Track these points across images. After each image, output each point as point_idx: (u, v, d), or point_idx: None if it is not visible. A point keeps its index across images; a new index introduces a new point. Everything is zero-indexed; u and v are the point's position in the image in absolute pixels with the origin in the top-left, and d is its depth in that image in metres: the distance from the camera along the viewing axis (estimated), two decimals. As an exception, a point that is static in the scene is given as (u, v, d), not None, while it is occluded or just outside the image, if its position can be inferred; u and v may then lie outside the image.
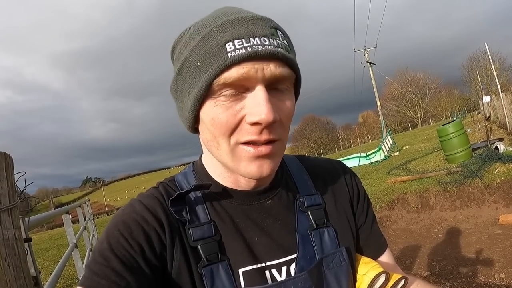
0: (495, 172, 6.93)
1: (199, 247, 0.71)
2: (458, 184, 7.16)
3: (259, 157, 0.67)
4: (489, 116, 17.05)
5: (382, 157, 17.11)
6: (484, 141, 10.32)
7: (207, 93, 0.64)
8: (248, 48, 0.60)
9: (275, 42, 0.63)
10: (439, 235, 6.13)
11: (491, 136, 10.86)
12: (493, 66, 18.33)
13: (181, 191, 0.74)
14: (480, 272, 4.23)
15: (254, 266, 0.73)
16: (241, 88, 0.64)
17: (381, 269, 0.81)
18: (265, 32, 0.63)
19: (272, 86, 0.65)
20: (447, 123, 9.27)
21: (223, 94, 0.64)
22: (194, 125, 0.72)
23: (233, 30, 0.62)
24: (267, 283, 0.72)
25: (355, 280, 0.84)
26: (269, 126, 0.64)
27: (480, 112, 19.18)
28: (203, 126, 0.69)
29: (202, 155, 0.85)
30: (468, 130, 17.99)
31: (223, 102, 0.64)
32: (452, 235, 5.97)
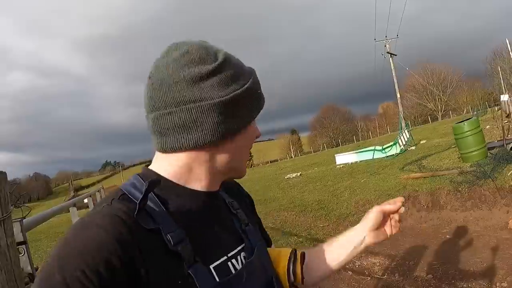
0: (508, 174, 6.82)
1: (179, 250, 0.72)
2: (470, 185, 7.07)
3: None
4: (509, 114, 16.63)
5: (398, 151, 16.89)
6: (501, 140, 10.11)
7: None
8: (263, 101, 0.91)
9: None
10: (447, 236, 6.08)
11: (509, 135, 10.62)
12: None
13: (141, 199, 0.71)
14: (482, 279, 4.20)
15: (220, 260, 0.81)
16: None
17: (289, 249, 1.05)
18: None
19: None
20: (462, 121, 9.10)
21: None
22: (218, 139, 0.80)
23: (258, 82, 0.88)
24: (231, 272, 0.81)
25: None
26: None
27: (500, 109, 18.70)
28: (235, 145, 0.85)
29: (152, 166, 0.87)
30: (487, 127, 17.63)
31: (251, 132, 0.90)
32: (459, 237, 5.91)
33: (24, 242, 1.84)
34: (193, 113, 0.75)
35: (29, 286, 1.82)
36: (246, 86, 0.81)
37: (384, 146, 18.00)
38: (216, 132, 0.78)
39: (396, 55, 32.35)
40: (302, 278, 1.02)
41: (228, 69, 0.79)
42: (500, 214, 6.20)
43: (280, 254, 1.04)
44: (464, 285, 4.14)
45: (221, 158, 0.85)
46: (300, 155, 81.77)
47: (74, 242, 0.65)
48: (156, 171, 0.84)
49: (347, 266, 5.51)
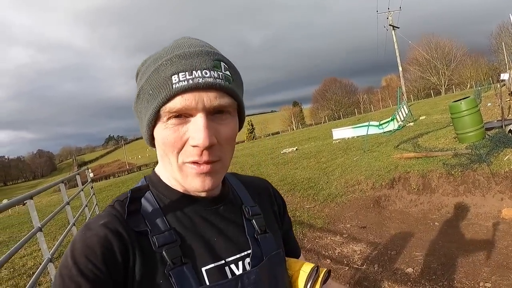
0: (505, 159, 6.40)
1: (163, 252, 0.75)
2: (464, 168, 6.67)
3: (201, 174, 0.76)
4: (512, 92, 16.01)
5: (396, 127, 16.45)
6: (500, 120, 9.64)
7: (157, 117, 0.74)
8: (190, 80, 0.70)
9: (215, 74, 0.72)
10: (436, 223, 5.75)
11: (510, 115, 10.16)
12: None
13: (127, 205, 0.79)
14: (466, 277, 3.85)
15: (215, 264, 0.79)
16: (186, 114, 0.73)
17: (313, 264, 0.95)
18: (207, 65, 0.72)
19: (214, 112, 0.74)
20: (459, 100, 8.61)
21: (170, 119, 0.73)
22: (152, 142, 0.80)
23: (179, 64, 0.71)
24: (227, 277, 0.79)
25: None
26: (208, 149, 0.73)
27: (504, 85, 18.13)
28: (157, 144, 0.79)
29: (156, 168, 0.92)
30: (488, 104, 17.11)
31: (170, 126, 0.73)
32: (448, 225, 5.57)
33: None
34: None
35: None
36: (139, 87, 0.78)
37: (381, 122, 17.56)
38: (143, 136, 0.83)
39: (398, 27, 31.73)
40: None
41: (140, 73, 0.81)
42: (493, 202, 5.83)
43: (301, 269, 0.95)
44: (445, 283, 3.80)
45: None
46: (302, 128, 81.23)
47: (80, 239, 0.73)
48: (158, 173, 0.89)
49: (326, 253, 5.22)
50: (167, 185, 0.86)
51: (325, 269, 0.96)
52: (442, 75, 69.62)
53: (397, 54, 31.63)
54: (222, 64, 0.75)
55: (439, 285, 3.79)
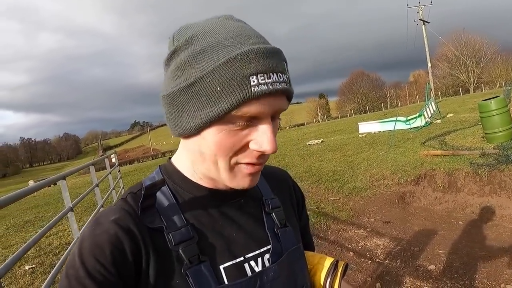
0: (533, 161, 6.40)
1: (180, 250, 0.72)
2: (491, 168, 6.68)
3: (252, 173, 0.74)
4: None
5: (423, 123, 16.29)
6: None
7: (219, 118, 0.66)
8: (269, 85, 0.64)
9: (285, 78, 0.67)
10: (459, 222, 5.82)
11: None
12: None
13: (141, 201, 0.74)
14: (487, 277, 3.96)
15: (234, 261, 0.77)
16: (254, 118, 0.67)
17: (332, 258, 0.95)
18: (281, 68, 0.66)
19: (273, 116, 0.71)
20: (489, 98, 8.55)
21: (234, 122, 0.67)
22: (188, 136, 0.74)
23: (257, 63, 0.63)
24: (247, 275, 0.78)
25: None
26: None
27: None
28: (203, 142, 0.71)
29: (174, 157, 0.87)
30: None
31: (232, 129, 0.67)
32: (472, 224, 5.64)
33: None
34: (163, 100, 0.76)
35: None
36: (196, 76, 0.66)
37: (409, 118, 17.41)
38: (171, 126, 0.76)
39: (429, 22, 31.06)
40: None
41: (184, 54, 0.69)
42: (519, 204, 5.86)
43: (320, 263, 0.96)
44: (467, 282, 3.92)
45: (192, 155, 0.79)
46: (327, 120, 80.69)
47: (89, 235, 0.70)
48: (175, 164, 0.86)
49: (349, 246, 5.37)
50: (184, 176, 0.83)
51: (344, 262, 0.96)
52: (471, 72, 67.95)
53: (427, 49, 31.08)
54: (285, 64, 0.70)
55: (460, 284, 3.91)
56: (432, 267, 4.39)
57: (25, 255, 4.66)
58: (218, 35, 0.67)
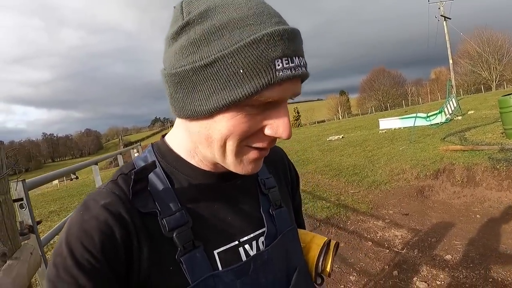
0: (553, 157, 6.45)
1: (174, 236, 0.70)
2: (510, 164, 6.75)
3: (258, 158, 0.72)
4: None
5: (443, 120, 16.27)
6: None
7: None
8: (293, 69, 0.60)
9: (305, 61, 0.64)
10: (477, 216, 5.92)
11: None
12: None
13: (132, 185, 0.70)
14: (502, 268, 4.10)
15: (229, 245, 0.77)
16: (269, 103, 0.64)
17: (324, 237, 0.98)
18: (301, 52, 0.64)
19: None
20: (509, 94, 8.57)
21: (252, 106, 0.63)
22: (195, 118, 0.68)
23: (283, 46, 0.59)
24: (241, 259, 0.77)
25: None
26: None
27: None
28: (213, 126, 0.66)
29: (168, 137, 0.84)
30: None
31: (248, 113, 0.64)
32: (490, 218, 5.74)
33: (20, 199, 2.10)
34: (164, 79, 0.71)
35: (28, 236, 2.06)
36: (215, 56, 0.60)
37: (429, 114, 17.37)
38: (176, 106, 0.70)
39: (450, 18, 30.62)
40: (331, 270, 0.96)
41: (200, 29, 0.62)
42: (537, 198, 5.94)
43: (313, 241, 0.97)
44: (482, 272, 4.06)
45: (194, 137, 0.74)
46: (348, 117, 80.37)
47: (77, 221, 0.67)
48: (169, 144, 0.82)
49: (368, 236, 5.54)
50: (180, 157, 0.80)
51: (335, 242, 0.99)
52: (493, 70, 66.67)
53: (448, 46, 30.68)
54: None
55: (475, 273, 4.06)
56: (448, 256, 4.55)
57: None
58: (238, 10, 0.62)
